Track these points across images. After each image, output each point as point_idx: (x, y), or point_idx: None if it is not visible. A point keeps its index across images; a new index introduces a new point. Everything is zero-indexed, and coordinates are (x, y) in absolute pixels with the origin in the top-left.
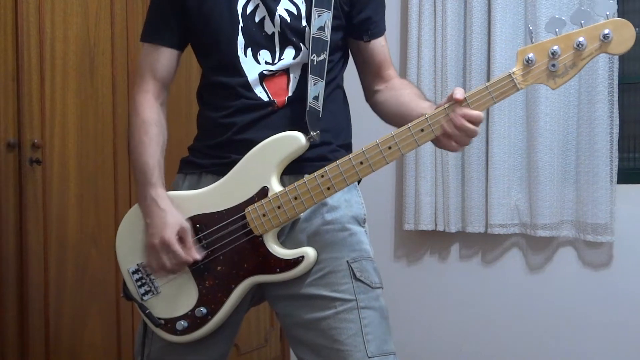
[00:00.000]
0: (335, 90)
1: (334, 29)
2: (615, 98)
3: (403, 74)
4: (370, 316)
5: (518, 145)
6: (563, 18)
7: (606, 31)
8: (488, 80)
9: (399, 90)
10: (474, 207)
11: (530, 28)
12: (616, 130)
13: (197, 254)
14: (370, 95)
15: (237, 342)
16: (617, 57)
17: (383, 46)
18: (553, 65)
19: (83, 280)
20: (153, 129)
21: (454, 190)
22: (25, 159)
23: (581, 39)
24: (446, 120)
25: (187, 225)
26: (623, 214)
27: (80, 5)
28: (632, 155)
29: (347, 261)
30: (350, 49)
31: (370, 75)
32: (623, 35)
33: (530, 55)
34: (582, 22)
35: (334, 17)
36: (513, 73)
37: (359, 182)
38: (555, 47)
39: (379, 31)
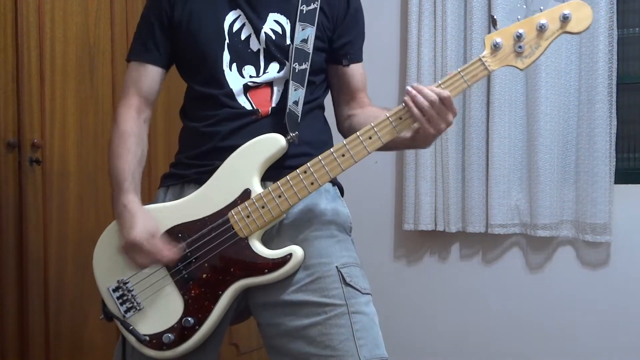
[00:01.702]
0: (317, 109)
1: (318, 49)
2: (614, 98)
3: (403, 74)
4: (362, 321)
5: (518, 145)
6: (524, 6)
7: (565, 12)
8: (488, 83)
9: (377, 112)
10: (474, 207)
11: (494, 17)
12: (614, 130)
13: (171, 254)
14: (344, 120)
15: (237, 342)
16: (616, 57)
17: (362, 74)
18: (520, 47)
19: (83, 280)
20: (131, 139)
21: (454, 191)
22: (25, 158)
23: (543, 21)
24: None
25: (157, 229)
26: (620, 214)
27: (80, 5)
28: (631, 155)
29: (337, 266)
30: (329, 76)
31: (346, 100)
32: (581, 14)
33: (498, 39)
34: (541, 7)
35: (319, 39)
36: (483, 57)
37: (342, 193)
38: (520, 31)
39: (358, 57)
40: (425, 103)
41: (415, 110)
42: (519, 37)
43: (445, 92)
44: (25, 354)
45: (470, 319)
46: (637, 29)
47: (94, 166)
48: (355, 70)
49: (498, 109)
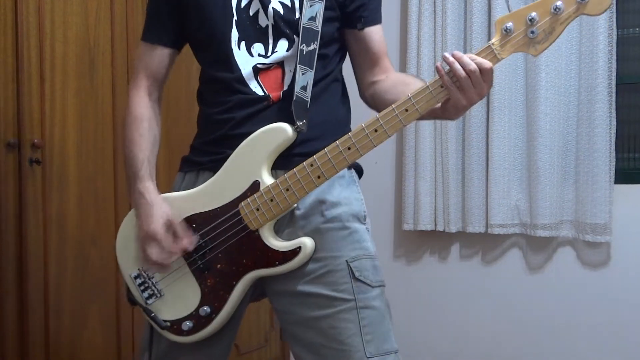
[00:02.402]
0: (333, 83)
1: (328, 20)
2: (614, 98)
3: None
4: (370, 316)
5: (518, 145)
6: None
7: None
8: None
9: (404, 79)
10: (474, 207)
11: None
12: (614, 130)
13: (187, 244)
14: (367, 87)
15: (237, 342)
16: (615, 57)
17: (380, 36)
18: (532, 32)
19: (83, 280)
20: (144, 124)
21: (454, 191)
22: (25, 159)
23: (558, 2)
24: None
25: (173, 218)
26: (620, 214)
27: (80, 5)
28: (631, 155)
29: (347, 260)
30: (347, 42)
31: (368, 66)
32: None
33: (509, 24)
34: None
35: (328, 9)
36: (492, 44)
37: (360, 175)
38: (532, 14)
39: (374, 19)
40: (462, 73)
41: (447, 78)
42: (531, 21)
43: (488, 63)
44: (25, 354)
45: (470, 319)
46: (637, 29)
47: (94, 166)
48: (373, 34)
49: (498, 109)
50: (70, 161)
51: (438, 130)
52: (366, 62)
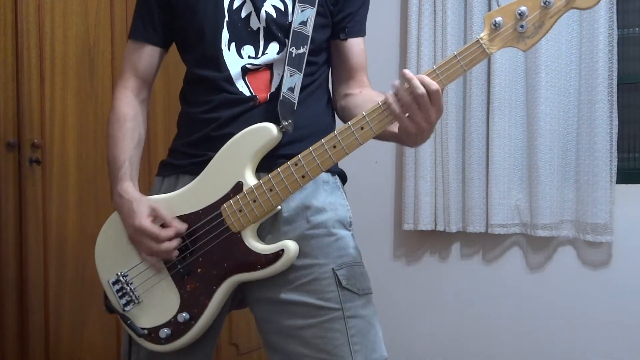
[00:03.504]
0: (318, 90)
1: (320, 27)
2: (615, 98)
3: None
4: (357, 325)
5: (518, 145)
6: None
7: None
8: (488, 83)
9: (376, 96)
10: (474, 207)
11: None
12: (615, 130)
13: (179, 226)
14: (340, 98)
15: (237, 342)
16: (616, 57)
17: (362, 49)
18: (521, 27)
19: (83, 280)
20: (127, 124)
21: (454, 190)
22: (25, 159)
23: None
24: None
25: (157, 205)
26: (621, 214)
27: (80, 5)
28: (631, 155)
29: (333, 268)
30: (330, 50)
31: (345, 78)
32: None
33: (498, 18)
34: None
35: (320, 15)
36: (481, 38)
37: (344, 182)
38: (522, 8)
39: (358, 31)
40: (407, 97)
41: (394, 106)
42: (521, 15)
43: (434, 85)
44: (25, 354)
45: (470, 319)
46: (637, 29)
47: (94, 166)
48: (354, 46)
49: (498, 109)
50: (70, 161)
51: (438, 130)
52: (344, 73)
